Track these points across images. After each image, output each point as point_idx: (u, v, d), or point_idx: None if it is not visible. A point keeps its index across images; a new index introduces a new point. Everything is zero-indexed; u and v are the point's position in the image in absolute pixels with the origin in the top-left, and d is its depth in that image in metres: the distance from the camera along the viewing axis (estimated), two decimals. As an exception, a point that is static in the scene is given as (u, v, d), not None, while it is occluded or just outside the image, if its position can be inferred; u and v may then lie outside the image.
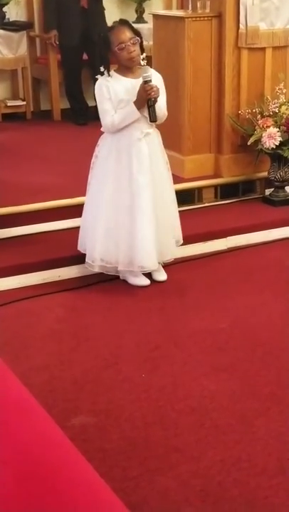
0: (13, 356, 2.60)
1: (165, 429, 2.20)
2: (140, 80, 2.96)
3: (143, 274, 3.20)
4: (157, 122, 3.05)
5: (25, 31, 5.59)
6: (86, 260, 3.17)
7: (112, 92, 2.98)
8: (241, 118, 3.96)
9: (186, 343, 2.73)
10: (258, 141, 3.82)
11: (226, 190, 4.07)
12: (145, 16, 6.00)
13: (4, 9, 5.59)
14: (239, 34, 3.87)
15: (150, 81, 2.94)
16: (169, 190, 3.21)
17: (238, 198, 4.10)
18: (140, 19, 6.07)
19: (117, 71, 3.03)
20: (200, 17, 3.85)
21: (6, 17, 5.60)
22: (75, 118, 5.50)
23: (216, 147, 4.06)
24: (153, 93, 2.92)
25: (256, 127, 3.84)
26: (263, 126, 3.80)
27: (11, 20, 5.62)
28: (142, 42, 2.99)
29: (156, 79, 3.02)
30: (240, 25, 3.86)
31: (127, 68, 3.01)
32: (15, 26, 5.54)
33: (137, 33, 2.98)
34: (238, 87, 3.95)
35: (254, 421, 2.23)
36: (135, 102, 2.96)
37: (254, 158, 3.99)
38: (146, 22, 5.96)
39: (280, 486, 1.95)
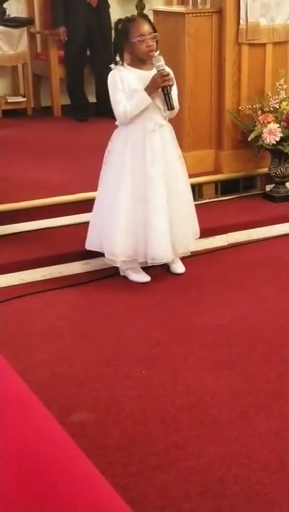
0: (14, 352, 2.60)
1: (165, 426, 2.20)
2: (153, 72, 2.97)
3: (152, 268, 3.19)
4: (172, 114, 3.07)
5: (25, 27, 5.58)
6: (106, 256, 3.14)
7: (126, 83, 2.99)
8: (242, 114, 3.95)
9: (186, 339, 2.73)
10: (259, 137, 3.81)
11: (226, 186, 4.07)
12: (145, 11, 5.98)
13: (5, 5, 5.57)
14: (240, 30, 3.86)
15: (164, 70, 2.96)
16: (183, 184, 3.21)
17: (239, 194, 4.10)
18: (141, 15, 6.06)
19: (130, 64, 3.03)
20: (200, 13, 3.84)
21: (7, 13, 5.59)
22: (75, 114, 5.50)
23: (217, 143, 4.06)
24: (170, 81, 2.94)
25: (257, 123, 3.83)
26: (263, 122, 3.80)
27: (11, 16, 5.60)
28: (158, 39, 2.99)
29: (170, 72, 3.02)
30: (241, 21, 3.85)
31: (140, 61, 3.01)
32: (15, 22, 5.53)
33: (155, 29, 2.99)
34: (238, 82, 3.95)
35: (255, 417, 2.24)
36: (146, 89, 2.96)
37: (254, 154, 3.99)
38: (146, 18, 5.94)
39: (281, 482, 1.95)
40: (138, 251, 3.11)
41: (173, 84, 2.99)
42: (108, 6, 5.40)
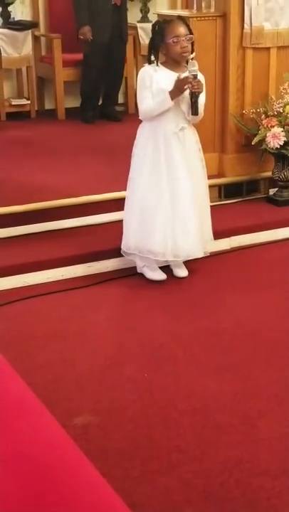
0: (17, 355, 2.60)
1: (168, 429, 2.20)
2: (185, 75, 2.99)
3: (161, 268, 3.22)
4: (196, 119, 3.11)
5: (30, 30, 5.59)
6: (126, 250, 3.20)
7: (154, 82, 3.02)
8: (245, 118, 3.95)
9: (189, 343, 2.73)
10: (262, 140, 3.81)
11: (229, 190, 4.07)
12: (150, 15, 5.99)
13: (9, 8, 5.59)
14: (244, 34, 3.86)
15: (196, 76, 2.98)
16: (203, 187, 3.25)
17: (242, 198, 4.10)
18: (145, 19, 6.07)
19: (164, 64, 3.06)
20: (205, 17, 3.85)
21: (11, 16, 5.61)
22: (83, 116, 5.49)
23: (220, 147, 4.06)
24: (197, 87, 2.97)
25: (260, 127, 3.83)
26: (267, 126, 3.80)
27: (16, 19, 5.62)
28: (193, 42, 3.03)
29: (202, 78, 3.05)
30: (245, 25, 3.85)
31: (174, 62, 3.04)
32: (20, 25, 5.54)
33: (191, 31, 3.03)
34: (242, 86, 3.95)
35: (257, 421, 2.23)
36: (170, 92, 2.99)
37: (258, 157, 3.99)
38: (150, 21, 5.93)
39: (283, 486, 1.95)
40: (165, 248, 3.13)
41: (201, 91, 3.02)
42: (127, 8, 5.39)
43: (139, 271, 3.27)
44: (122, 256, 3.33)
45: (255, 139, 3.84)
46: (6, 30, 5.49)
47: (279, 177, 3.95)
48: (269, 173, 4.03)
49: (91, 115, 5.46)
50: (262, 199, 4.10)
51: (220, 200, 4.04)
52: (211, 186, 4.01)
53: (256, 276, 3.34)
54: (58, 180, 4.06)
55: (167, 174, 3.10)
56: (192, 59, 3.05)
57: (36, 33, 5.72)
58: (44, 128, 5.39)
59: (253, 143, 3.86)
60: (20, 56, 5.57)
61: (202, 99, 3.09)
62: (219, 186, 4.05)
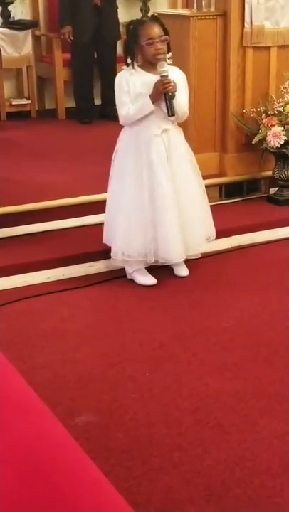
0: (18, 354, 2.60)
1: (169, 428, 2.20)
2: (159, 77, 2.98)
3: (157, 269, 3.21)
4: (177, 119, 3.07)
5: (30, 30, 5.59)
6: (111, 255, 3.18)
7: (132, 86, 3.00)
8: (246, 117, 3.95)
9: (190, 342, 2.73)
10: (263, 140, 3.81)
11: (230, 189, 4.07)
12: (150, 14, 5.98)
13: (9, 8, 5.60)
14: (244, 33, 3.86)
15: (167, 76, 2.96)
16: (194, 186, 3.21)
17: (243, 197, 4.10)
18: (145, 18, 6.07)
19: (141, 66, 3.04)
20: (205, 16, 3.85)
21: (11, 16, 5.61)
22: (80, 117, 5.51)
23: (221, 146, 4.06)
24: (170, 87, 2.94)
25: (261, 126, 3.83)
26: (267, 125, 3.80)
27: (16, 19, 5.62)
28: (169, 41, 3.00)
29: (179, 76, 3.04)
30: (245, 24, 3.85)
31: (151, 64, 3.02)
32: (20, 25, 5.55)
33: (166, 31, 2.99)
34: (242, 85, 3.95)
35: (258, 420, 2.23)
36: (150, 95, 2.97)
37: (259, 157, 3.99)
38: (151, 21, 5.95)
39: (284, 485, 1.95)
40: (148, 251, 3.11)
41: (174, 91, 2.97)
42: (116, 7, 5.39)
43: (129, 277, 3.25)
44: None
45: (255, 138, 3.84)
46: (6, 30, 5.50)
47: (279, 176, 3.95)
48: (269, 173, 4.03)
49: (87, 118, 5.46)
50: (262, 198, 4.10)
51: (220, 200, 4.04)
52: (211, 186, 4.03)
53: (257, 276, 3.34)
54: (58, 180, 4.06)
55: (148, 179, 3.06)
56: (170, 61, 3.02)
57: (36, 33, 5.73)
58: (44, 128, 5.39)
59: (253, 142, 3.86)
60: (20, 56, 5.57)
61: (182, 97, 3.04)
62: (220, 186, 4.05)
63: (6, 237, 3.52)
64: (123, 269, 3.31)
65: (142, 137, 3.06)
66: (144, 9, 6.08)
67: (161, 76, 2.95)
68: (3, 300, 3.08)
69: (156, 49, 2.94)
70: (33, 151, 4.75)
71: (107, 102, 5.66)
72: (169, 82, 2.94)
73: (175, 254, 3.13)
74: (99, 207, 3.71)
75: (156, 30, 2.95)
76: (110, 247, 3.19)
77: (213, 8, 3.92)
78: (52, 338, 2.78)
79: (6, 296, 3.12)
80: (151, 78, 2.99)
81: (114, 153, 3.19)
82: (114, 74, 5.62)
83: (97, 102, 5.69)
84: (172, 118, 3.04)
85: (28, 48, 5.59)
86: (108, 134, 5.16)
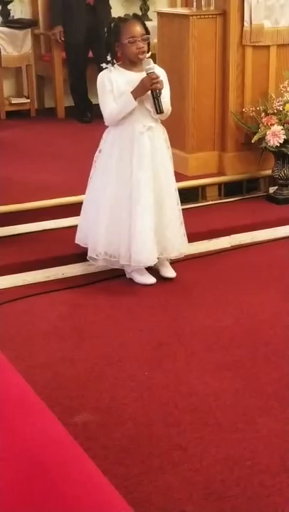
0: (17, 353, 2.60)
1: (168, 427, 2.20)
2: (143, 74, 2.96)
3: (149, 271, 3.19)
4: (162, 116, 3.05)
5: (29, 29, 5.59)
6: (88, 254, 3.16)
7: (115, 85, 2.98)
8: (245, 116, 3.95)
9: (189, 341, 2.73)
10: (262, 139, 3.81)
11: (229, 188, 4.07)
12: (149, 13, 5.99)
13: (9, 7, 5.59)
14: (244, 32, 3.86)
15: (153, 73, 2.94)
16: (173, 186, 3.19)
17: (242, 196, 4.10)
18: (145, 17, 6.05)
19: (121, 65, 3.03)
20: (204, 15, 3.85)
21: (11, 15, 5.60)
22: (79, 116, 5.50)
23: (220, 145, 4.06)
24: (159, 84, 2.93)
25: (260, 125, 3.83)
26: (267, 124, 3.80)
27: (15, 17, 5.62)
28: (149, 42, 2.98)
29: (160, 73, 3.01)
30: (245, 23, 3.85)
31: (131, 63, 3.00)
32: (19, 24, 5.54)
33: (147, 30, 2.98)
34: (242, 84, 3.95)
35: (257, 419, 2.23)
36: (133, 91, 2.95)
37: (258, 156, 3.99)
38: (150, 20, 5.93)
39: (283, 484, 1.95)
40: (121, 253, 3.10)
41: (162, 88, 2.96)
42: (108, 7, 5.38)
43: (128, 276, 3.24)
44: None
45: (255, 137, 3.84)
46: (5, 29, 5.49)
47: (279, 175, 3.95)
48: (269, 172, 4.03)
49: (86, 116, 5.46)
50: (262, 197, 4.10)
51: (220, 199, 4.04)
52: (211, 184, 4.03)
53: (256, 275, 3.34)
54: (58, 178, 4.06)
55: (130, 177, 3.04)
56: (147, 58, 2.99)
57: (36, 32, 5.72)
58: (44, 127, 5.39)
59: (252, 141, 3.86)
60: (19, 54, 5.56)
61: (167, 93, 3.03)
62: (219, 184, 4.05)
63: (6, 236, 3.52)
64: (122, 269, 3.31)
65: (126, 135, 3.04)
66: (144, 8, 6.08)
67: (148, 73, 2.93)
68: (2, 299, 3.08)
69: (138, 47, 2.92)
70: (32, 150, 4.75)
71: None
72: (157, 79, 2.93)
73: (148, 258, 3.08)
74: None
75: (138, 28, 2.93)
76: (85, 248, 3.17)
77: (212, 7, 3.92)
78: (51, 337, 2.78)
79: (6, 295, 3.12)
80: (134, 76, 2.97)
81: (96, 153, 3.16)
82: None
83: (96, 101, 5.67)
84: (159, 115, 3.03)
85: (27, 46, 5.58)
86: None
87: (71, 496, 1.18)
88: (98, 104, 5.79)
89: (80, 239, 3.25)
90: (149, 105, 3.01)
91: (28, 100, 5.68)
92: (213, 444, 2.12)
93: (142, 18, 3.04)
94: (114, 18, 3.05)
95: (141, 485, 1.95)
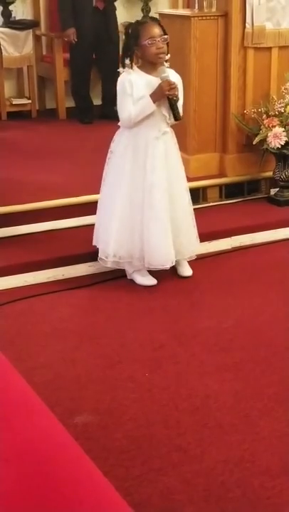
0: (17, 354, 2.60)
1: (168, 429, 2.20)
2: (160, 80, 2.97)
3: (157, 271, 3.20)
4: (173, 122, 3.07)
5: (31, 30, 5.60)
6: (99, 256, 3.17)
7: (135, 89, 2.99)
8: (247, 117, 3.95)
9: (190, 343, 2.73)
10: (264, 140, 3.81)
11: (230, 190, 4.07)
12: (151, 15, 5.99)
13: (10, 8, 5.60)
14: (245, 33, 3.86)
15: (169, 79, 2.96)
16: (185, 189, 3.22)
17: (243, 198, 4.10)
18: (146, 18, 6.06)
19: (140, 67, 3.03)
20: (206, 16, 3.85)
21: (12, 15, 5.61)
22: (80, 117, 5.52)
23: (221, 146, 4.06)
24: (176, 91, 2.95)
25: (261, 127, 3.83)
26: (268, 126, 3.80)
27: (17, 18, 5.62)
28: (168, 43, 2.99)
29: (176, 79, 3.03)
30: (247, 25, 3.85)
31: (150, 65, 3.01)
32: (21, 25, 5.55)
33: (165, 32, 2.99)
34: (243, 86, 3.95)
35: (258, 421, 2.23)
36: (151, 95, 2.97)
37: (259, 157, 3.99)
38: (152, 21, 5.95)
39: (284, 486, 1.95)
40: (133, 254, 3.12)
41: (178, 94, 2.99)
42: (115, 9, 5.43)
43: (129, 277, 3.25)
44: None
45: (256, 138, 3.84)
46: (7, 30, 5.50)
47: (280, 177, 3.95)
48: (270, 173, 4.03)
49: (87, 117, 5.47)
50: (263, 199, 4.10)
51: (221, 200, 4.04)
52: (212, 186, 4.03)
53: (257, 276, 3.34)
54: (59, 179, 4.06)
55: (144, 181, 3.05)
56: (168, 64, 3.02)
57: (37, 33, 5.73)
58: (45, 128, 5.39)
59: (254, 143, 3.86)
60: (21, 55, 5.57)
61: (180, 100, 3.05)
62: (220, 186, 4.05)
63: (7, 236, 3.52)
64: (123, 270, 3.31)
65: (141, 139, 3.05)
66: (146, 9, 6.08)
67: (165, 78, 2.95)
68: (3, 300, 3.08)
69: (158, 48, 2.94)
70: (33, 150, 4.75)
71: (107, 103, 5.66)
72: (175, 85, 2.95)
73: (162, 261, 3.11)
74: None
75: (156, 29, 2.96)
76: (91, 249, 3.19)
77: (214, 9, 3.92)
78: (52, 338, 2.78)
79: (6, 296, 3.12)
80: (153, 80, 2.99)
81: (109, 154, 3.17)
82: (118, 74, 5.68)
83: (98, 102, 5.69)
84: (176, 122, 3.06)
85: (28, 47, 5.59)
86: (109, 135, 5.16)
87: (71, 496, 1.18)
88: (99, 105, 5.83)
89: (96, 241, 3.24)
90: (165, 111, 3.03)
91: (29, 101, 5.68)
92: (214, 445, 2.12)
93: (159, 21, 3.08)
94: (132, 23, 3.08)
95: (141, 486, 1.95)
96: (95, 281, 3.27)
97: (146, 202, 3.06)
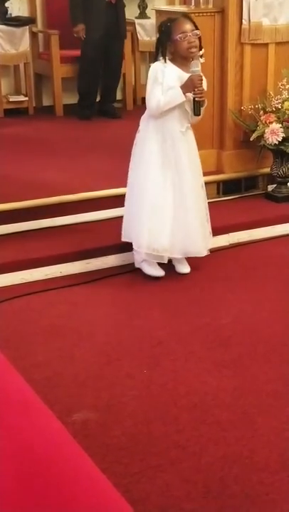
0: (15, 352, 2.60)
1: (167, 425, 2.20)
2: None
3: (161, 264, 3.22)
4: (195, 120, 3.12)
5: (27, 26, 5.58)
6: (134, 247, 3.18)
7: (166, 78, 3.02)
8: (244, 114, 3.95)
9: (188, 339, 2.73)
10: (261, 137, 3.81)
11: (228, 186, 4.07)
12: (148, 11, 5.98)
13: (6, 4, 5.58)
14: (242, 30, 3.86)
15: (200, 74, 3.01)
16: (201, 187, 3.26)
17: (241, 194, 4.10)
18: (143, 14, 6.06)
19: (172, 61, 3.06)
20: (203, 12, 3.84)
21: (9, 12, 5.59)
22: (80, 112, 5.49)
23: (219, 143, 4.06)
24: (201, 95, 3.00)
25: (259, 123, 3.83)
26: (265, 122, 3.79)
27: (13, 15, 5.61)
28: (200, 38, 3.03)
29: (203, 82, 3.06)
30: (243, 21, 3.84)
31: (183, 60, 3.04)
32: (17, 22, 5.53)
33: (197, 27, 3.04)
34: (240, 82, 3.94)
35: (256, 417, 2.23)
36: (182, 87, 3.01)
37: (256, 154, 3.98)
38: (149, 18, 5.94)
39: (282, 482, 1.95)
40: (171, 245, 3.14)
41: (204, 99, 3.05)
42: (124, 5, 5.43)
43: (137, 265, 3.27)
44: (121, 253, 3.33)
45: (253, 135, 3.83)
46: (3, 27, 5.48)
47: (277, 173, 3.94)
48: (267, 170, 4.03)
49: (88, 112, 5.47)
50: (260, 195, 4.10)
51: (218, 197, 4.04)
52: (209, 183, 4.02)
53: (255, 273, 3.34)
54: (56, 176, 4.05)
55: (173, 173, 3.11)
56: (203, 59, 3.07)
57: (34, 29, 5.71)
58: (42, 125, 5.38)
59: (251, 139, 3.86)
60: (17, 52, 5.56)
61: (205, 103, 3.12)
62: (218, 183, 4.05)
63: (4, 234, 3.51)
64: (120, 267, 3.32)
65: (166, 132, 3.10)
66: (142, 6, 6.06)
67: (197, 75, 3.00)
68: (1, 297, 3.08)
69: (190, 42, 2.98)
70: (30, 148, 4.74)
71: (106, 99, 5.65)
72: (203, 80, 3.00)
73: (198, 248, 3.19)
74: (97, 204, 3.71)
75: (188, 25, 3.01)
76: (120, 240, 3.21)
77: (210, 5, 3.91)
78: (50, 335, 2.78)
79: (4, 294, 3.11)
80: (184, 75, 3.03)
81: (134, 146, 3.20)
82: (121, 69, 5.67)
83: (97, 99, 5.67)
84: (196, 118, 3.10)
85: (25, 44, 5.58)
86: (106, 132, 5.17)
87: (69, 494, 1.18)
88: (98, 102, 5.82)
89: (126, 235, 3.25)
90: (189, 107, 3.08)
91: (26, 98, 5.67)
92: (212, 442, 2.12)
93: (191, 17, 3.11)
94: (165, 20, 3.12)
95: (140, 483, 1.95)
96: (93, 279, 3.26)
97: (177, 192, 3.11)
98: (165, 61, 3.04)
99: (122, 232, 3.27)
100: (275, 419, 2.22)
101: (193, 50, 3.00)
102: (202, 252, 3.22)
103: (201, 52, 3.06)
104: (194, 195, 3.17)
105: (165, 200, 3.13)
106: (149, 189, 3.12)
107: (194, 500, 1.89)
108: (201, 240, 3.20)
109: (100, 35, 5.28)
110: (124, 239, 3.26)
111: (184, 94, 3.01)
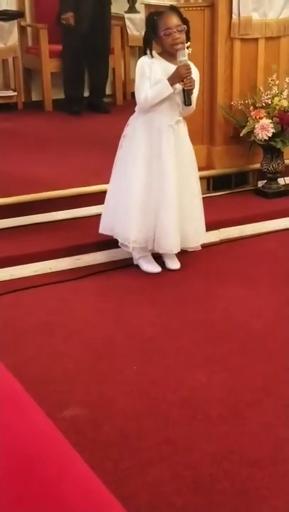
0: (4, 348, 2.59)
1: (157, 421, 2.20)
2: None
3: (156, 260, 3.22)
4: (187, 112, 3.11)
5: (16, 21, 5.54)
6: (120, 241, 3.17)
7: (153, 73, 3.02)
8: (234, 109, 3.94)
9: (178, 335, 2.72)
10: (251, 132, 3.81)
11: (218, 182, 4.06)
12: (137, 5, 5.95)
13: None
14: (232, 24, 3.85)
15: (187, 63, 2.99)
16: (195, 179, 3.25)
17: (231, 190, 4.09)
18: (132, 9, 6.03)
19: (161, 55, 3.07)
20: (192, 7, 3.82)
21: (-3, 6, 5.55)
22: (69, 107, 5.47)
23: (209, 138, 4.05)
24: (190, 85, 2.98)
25: (249, 119, 3.82)
26: (255, 118, 3.79)
27: (1, 9, 5.56)
28: (188, 30, 3.02)
29: (193, 71, 3.05)
30: (233, 16, 3.83)
31: (169, 54, 3.04)
32: (5, 16, 5.48)
33: (184, 21, 3.02)
34: (230, 78, 3.93)
35: (246, 413, 2.24)
36: (169, 79, 3.00)
37: (247, 149, 3.98)
38: (138, 12, 5.91)
39: (272, 478, 1.95)
40: (149, 238, 3.15)
41: (193, 88, 3.02)
42: (110, 2, 5.40)
43: (135, 262, 3.28)
44: (111, 249, 3.32)
45: (243, 130, 3.83)
46: (-9, 21, 5.44)
47: (267, 169, 3.94)
48: (258, 165, 4.02)
49: (77, 106, 5.44)
50: (250, 191, 4.10)
51: (208, 193, 4.03)
52: (199, 178, 4.01)
53: (245, 269, 3.34)
54: (46, 172, 4.03)
55: (157, 168, 3.10)
56: (189, 50, 3.06)
57: (22, 23, 5.67)
58: (31, 119, 5.35)
59: (241, 135, 3.86)
60: (6, 47, 5.51)
61: (195, 92, 3.09)
62: (208, 178, 4.04)
63: (-7, 229, 3.49)
64: (111, 263, 3.30)
65: (154, 126, 3.08)
66: (132, 0, 6.03)
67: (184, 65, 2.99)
68: (-11, 293, 3.06)
69: (174, 39, 2.97)
70: (20, 143, 4.71)
71: (96, 94, 5.63)
72: (191, 79, 2.99)
73: (170, 246, 3.17)
74: (87, 199, 3.70)
75: (173, 20, 2.99)
76: (110, 236, 3.19)
77: (200, -1, 3.90)
78: (39, 331, 2.77)
79: (-7, 290, 3.10)
80: (171, 68, 3.02)
81: (121, 139, 3.19)
82: (108, 63, 5.64)
83: (86, 93, 5.65)
84: (187, 109, 3.08)
85: (14, 38, 5.53)
86: (96, 126, 5.15)
87: (58, 491, 1.17)
88: (88, 97, 5.80)
89: (104, 228, 3.23)
90: (179, 99, 3.06)
91: (15, 93, 5.64)
92: (202, 437, 2.12)
93: (178, 10, 3.10)
94: (152, 13, 3.12)
95: (130, 479, 1.94)
96: (83, 275, 3.25)
97: (160, 185, 3.09)
98: (152, 55, 3.04)
99: (101, 225, 3.24)
100: (264, 415, 2.22)
101: (178, 46, 2.99)
102: (173, 249, 3.19)
103: (188, 44, 3.05)
104: (176, 190, 3.11)
105: (148, 195, 3.11)
106: (134, 183, 3.11)
107: (184, 496, 1.89)
108: (174, 237, 3.15)
109: (85, 28, 5.25)
110: (102, 231, 3.24)
111: (173, 85, 3.00)
